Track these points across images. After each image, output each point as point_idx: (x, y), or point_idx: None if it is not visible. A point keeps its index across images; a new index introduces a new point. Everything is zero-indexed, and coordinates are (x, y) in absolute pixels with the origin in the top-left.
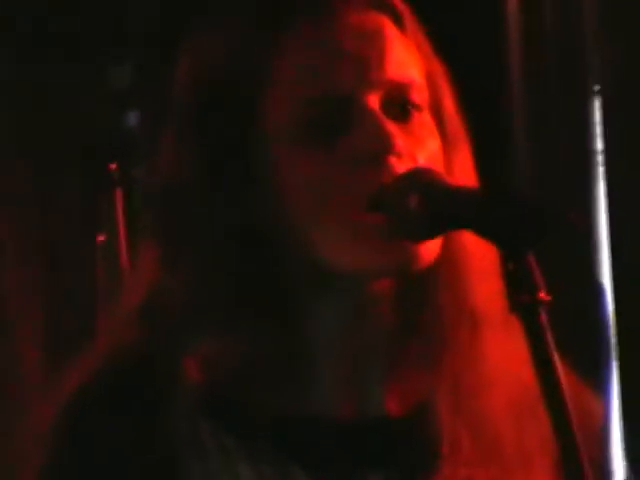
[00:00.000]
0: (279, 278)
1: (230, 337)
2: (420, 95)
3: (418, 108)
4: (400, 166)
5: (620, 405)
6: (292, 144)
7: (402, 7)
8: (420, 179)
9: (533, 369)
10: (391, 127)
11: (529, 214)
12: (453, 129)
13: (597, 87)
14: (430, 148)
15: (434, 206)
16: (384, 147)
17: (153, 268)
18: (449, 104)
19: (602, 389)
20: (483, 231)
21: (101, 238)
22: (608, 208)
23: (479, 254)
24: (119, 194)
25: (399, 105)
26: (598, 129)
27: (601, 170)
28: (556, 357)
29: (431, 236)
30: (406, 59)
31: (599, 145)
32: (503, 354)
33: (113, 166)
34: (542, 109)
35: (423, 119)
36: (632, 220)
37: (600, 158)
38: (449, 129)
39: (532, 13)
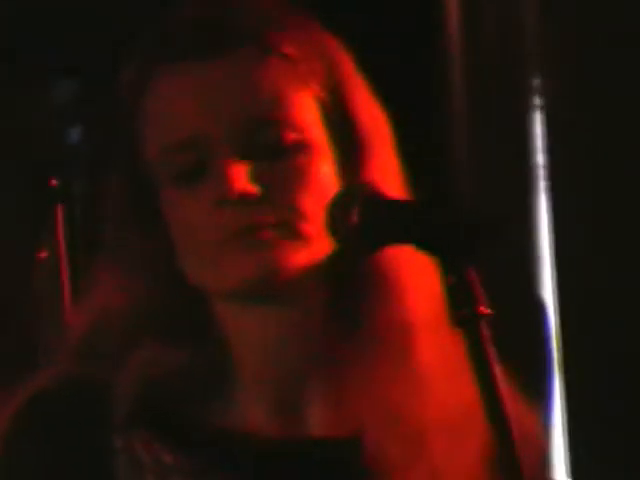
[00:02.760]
0: (199, 300)
1: (163, 354)
2: (293, 127)
3: (295, 142)
4: (263, 205)
5: (563, 421)
6: (169, 187)
7: (283, 37)
8: (359, 195)
9: (469, 382)
10: (242, 168)
11: (468, 227)
12: (366, 137)
13: (539, 101)
14: (315, 177)
15: (373, 221)
16: (226, 193)
17: (102, 291)
18: (361, 112)
19: (543, 405)
20: (422, 245)
21: (42, 255)
22: (550, 222)
23: (414, 268)
24: (60, 209)
25: (267, 143)
26: (540, 143)
27: (543, 184)
28: (498, 371)
29: (372, 251)
30: (269, 94)
31: (540, 159)
32: (437, 367)
33: (53, 181)
34: (483, 123)
35: (304, 151)
36: (574, 234)
37: (542, 172)
38: (361, 137)
39: (472, 26)
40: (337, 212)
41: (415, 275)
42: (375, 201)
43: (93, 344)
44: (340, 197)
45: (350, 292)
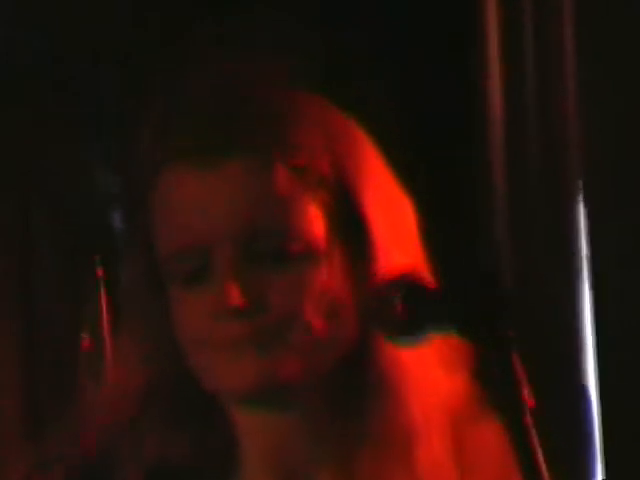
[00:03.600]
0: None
1: (173, 437)
2: (297, 239)
3: (298, 253)
4: (261, 315)
5: None
6: (174, 288)
7: (300, 139)
8: (403, 286)
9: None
10: (240, 281)
11: (514, 315)
12: (377, 235)
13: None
14: (317, 285)
15: (418, 311)
16: (221, 306)
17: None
18: (372, 211)
19: None
20: (466, 332)
21: (86, 342)
22: (593, 308)
23: (417, 370)
24: (103, 296)
25: (270, 253)
26: (584, 234)
27: (587, 274)
28: (542, 463)
29: (416, 338)
30: (270, 205)
31: (585, 249)
32: (438, 466)
33: (100, 271)
34: (527, 209)
35: (307, 260)
36: (617, 321)
37: (586, 262)
38: (372, 236)
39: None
40: (380, 306)
41: (423, 372)
42: (418, 292)
43: (106, 431)
44: (385, 288)
45: (354, 393)
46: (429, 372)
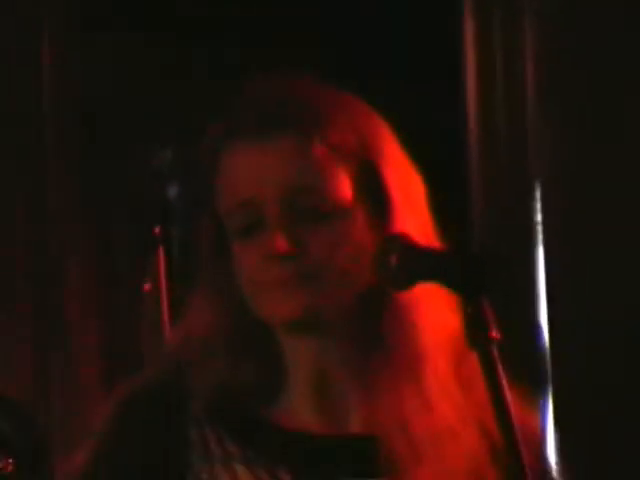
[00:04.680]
0: (263, 325)
1: (234, 366)
2: (329, 200)
3: (330, 211)
4: (303, 259)
5: (553, 417)
6: (235, 239)
7: (320, 122)
8: (398, 243)
9: (472, 397)
10: (286, 232)
11: (481, 268)
12: (395, 198)
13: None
14: (346, 236)
15: (409, 264)
16: (272, 251)
17: (191, 307)
18: (391, 178)
19: (540, 405)
20: (446, 282)
21: (147, 287)
22: (545, 266)
23: (430, 305)
24: (161, 251)
25: (308, 208)
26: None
27: (540, 237)
28: (505, 383)
29: (408, 286)
30: (310, 171)
31: (538, 218)
32: (442, 383)
33: (157, 229)
34: (493, 194)
35: (338, 215)
36: (563, 276)
37: (539, 228)
38: (391, 198)
39: (487, 111)
40: (380, 257)
41: (430, 310)
42: (410, 248)
43: (180, 356)
44: (382, 245)
45: (374, 324)
46: (436, 308)
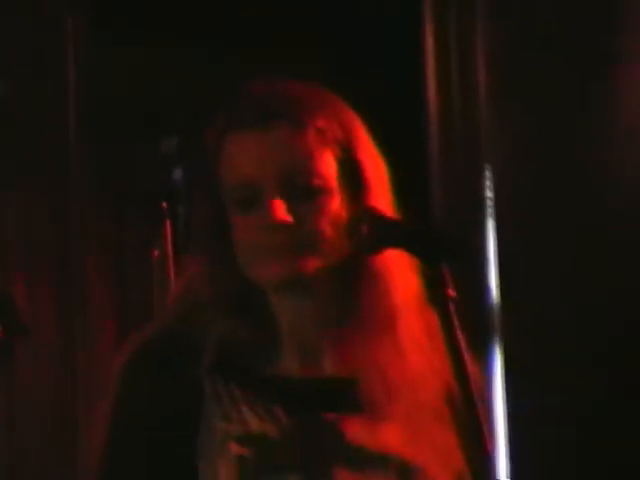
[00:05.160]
0: (256, 288)
1: (235, 325)
2: (318, 177)
3: (318, 187)
4: (295, 230)
5: (502, 373)
6: (235, 213)
7: (307, 112)
8: (369, 214)
9: (436, 349)
10: (282, 205)
11: (443, 239)
12: (369, 178)
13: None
14: (330, 211)
15: (377, 231)
16: (269, 220)
17: (193, 273)
18: (366, 162)
19: (488, 361)
20: (412, 250)
21: (156, 253)
22: (496, 238)
23: (398, 267)
24: (168, 223)
25: (301, 185)
26: (489, 184)
27: (490, 210)
28: (461, 338)
29: (377, 252)
30: (303, 153)
31: (489, 194)
32: (414, 336)
33: (164, 205)
34: (449, 175)
35: (324, 193)
36: (512, 247)
37: (490, 202)
38: (366, 179)
39: (445, 105)
40: (354, 226)
41: (399, 272)
42: (379, 219)
43: (183, 312)
44: (355, 216)
45: (352, 284)
46: (404, 270)
